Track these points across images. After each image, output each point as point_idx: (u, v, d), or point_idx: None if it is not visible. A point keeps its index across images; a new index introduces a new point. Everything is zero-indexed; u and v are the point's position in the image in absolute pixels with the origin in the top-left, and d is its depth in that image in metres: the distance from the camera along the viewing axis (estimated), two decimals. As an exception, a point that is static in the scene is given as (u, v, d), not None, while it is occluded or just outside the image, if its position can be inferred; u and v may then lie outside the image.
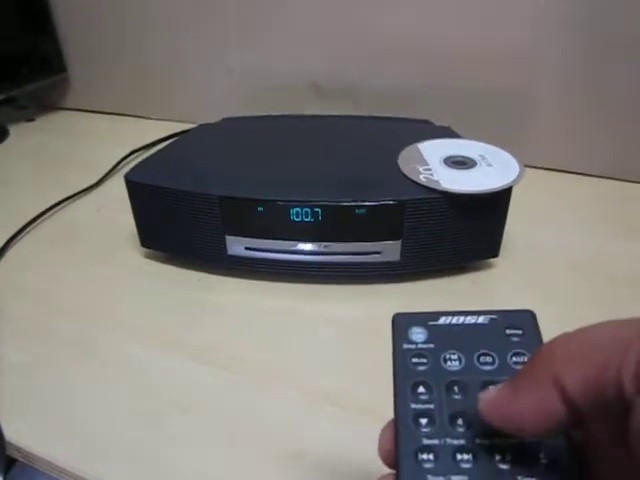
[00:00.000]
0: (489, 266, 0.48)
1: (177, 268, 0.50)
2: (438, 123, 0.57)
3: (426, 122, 0.57)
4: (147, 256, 0.51)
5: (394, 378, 0.21)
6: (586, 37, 0.57)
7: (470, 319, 0.22)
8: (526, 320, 0.22)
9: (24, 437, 0.34)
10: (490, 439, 0.19)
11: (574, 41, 0.58)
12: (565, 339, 0.16)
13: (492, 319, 0.22)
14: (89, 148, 0.78)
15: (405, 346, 0.22)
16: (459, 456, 0.19)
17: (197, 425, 0.35)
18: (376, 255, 0.44)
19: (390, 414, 0.34)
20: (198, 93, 0.81)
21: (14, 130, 0.84)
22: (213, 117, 0.62)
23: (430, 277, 0.46)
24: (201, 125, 0.59)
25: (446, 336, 0.22)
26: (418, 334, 0.22)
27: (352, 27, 0.67)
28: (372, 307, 0.45)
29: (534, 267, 0.48)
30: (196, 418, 0.35)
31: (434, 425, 0.20)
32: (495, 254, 0.46)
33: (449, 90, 0.65)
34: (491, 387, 0.19)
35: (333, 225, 0.43)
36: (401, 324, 0.22)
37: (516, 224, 0.47)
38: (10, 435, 0.34)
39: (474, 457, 0.19)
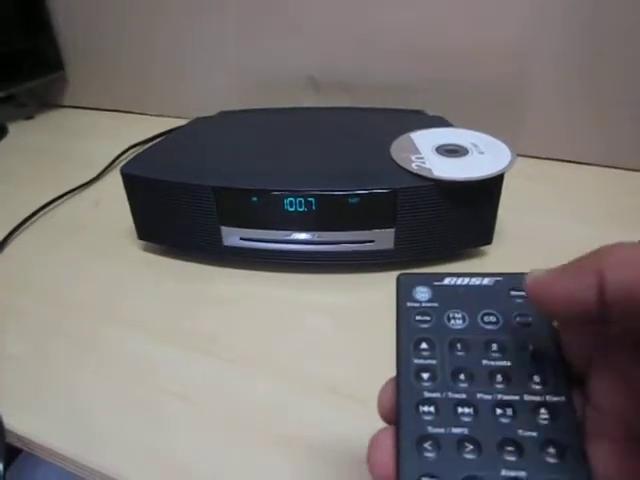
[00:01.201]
0: (482, 253, 0.48)
1: (174, 260, 0.50)
2: (434, 114, 0.57)
3: (419, 112, 0.58)
4: (145, 249, 0.52)
5: (397, 335, 0.21)
6: (582, 27, 0.57)
7: (475, 280, 0.22)
8: None
9: (25, 426, 0.35)
10: (492, 394, 0.19)
11: (569, 31, 0.58)
12: (613, 248, 0.17)
13: (497, 281, 0.22)
14: (88, 145, 0.78)
15: (409, 304, 0.22)
16: (460, 409, 0.19)
17: (196, 414, 0.35)
18: (370, 244, 0.45)
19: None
20: (196, 89, 0.82)
21: (13, 128, 0.84)
22: (211, 112, 0.62)
23: (424, 265, 0.47)
24: (197, 118, 0.60)
25: (450, 296, 0.22)
26: (422, 293, 0.22)
27: (348, 21, 0.67)
28: (367, 295, 0.45)
29: (527, 255, 0.48)
30: (195, 407, 0.36)
31: (436, 380, 0.20)
32: (488, 241, 0.47)
33: (445, 82, 0.65)
34: (541, 269, 0.19)
35: (327, 214, 0.44)
36: (406, 284, 0.22)
37: (510, 212, 0.48)
38: (12, 424, 0.35)
39: (475, 411, 0.19)
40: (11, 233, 0.55)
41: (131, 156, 0.70)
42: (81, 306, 0.46)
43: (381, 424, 0.33)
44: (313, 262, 0.46)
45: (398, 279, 0.23)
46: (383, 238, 0.44)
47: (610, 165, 0.63)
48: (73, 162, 0.73)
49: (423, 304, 0.22)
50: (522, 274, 0.22)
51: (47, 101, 0.94)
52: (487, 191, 0.43)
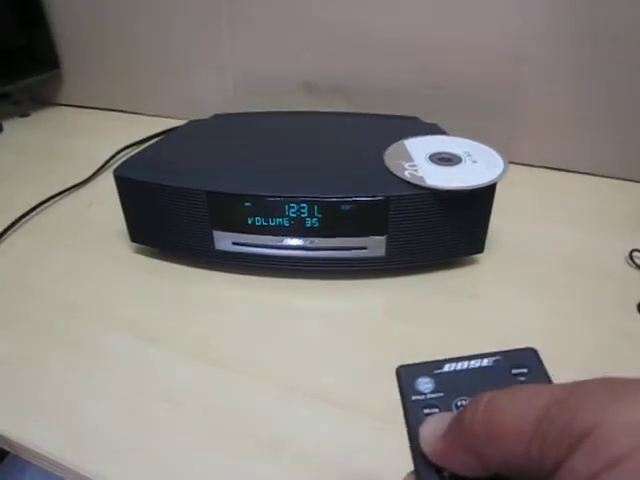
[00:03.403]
0: (474, 262, 0.48)
1: (166, 262, 0.50)
2: (428, 120, 0.57)
3: (414, 119, 0.58)
4: (137, 251, 0.52)
5: (408, 431, 0.21)
6: (576, 36, 0.57)
7: (474, 363, 0.22)
8: (529, 358, 0.21)
9: (12, 428, 0.35)
10: None
11: (563, 40, 0.58)
12: (483, 419, 0.17)
13: (496, 360, 0.22)
14: (82, 144, 0.78)
15: (414, 397, 0.21)
16: None
17: (185, 418, 0.35)
18: (362, 250, 0.45)
19: (375, 410, 0.35)
20: (191, 90, 0.81)
21: (8, 125, 0.84)
22: (206, 114, 0.62)
23: (415, 272, 0.47)
24: (191, 121, 0.60)
25: (453, 383, 0.21)
26: (425, 384, 0.22)
27: (344, 25, 0.67)
28: (358, 302, 0.45)
29: (519, 263, 0.49)
30: (185, 411, 0.36)
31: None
32: (480, 250, 0.47)
33: (440, 88, 0.66)
34: (430, 422, 0.19)
35: (319, 220, 0.44)
36: (406, 376, 0.22)
37: (503, 221, 0.48)
38: (-1, 426, 0.35)
39: None
40: (3, 233, 0.55)
41: (125, 157, 0.69)
42: (71, 307, 0.45)
43: (368, 431, 0.33)
44: (305, 268, 0.46)
45: (397, 372, 0.22)
46: (375, 245, 0.44)
47: (604, 174, 0.63)
48: (67, 161, 0.72)
49: (428, 395, 0.21)
50: (520, 350, 0.22)
51: (42, 99, 0.93)
52: (479, 200, 0.43)
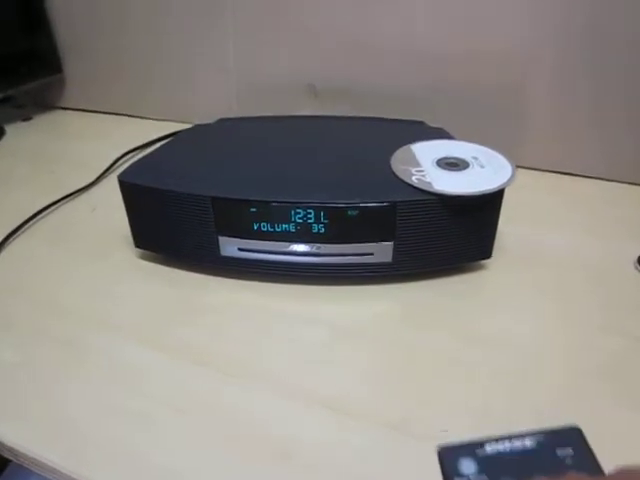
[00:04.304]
0: (482, 267, 0.48)
1: (171, 268, 0.50)
2: (434, 124, 0.57)
3: (420, 123, 0.57)
4: (141, 257, 0.51)
5: None
6: (583, 37, 0.57)
7: (517, 443, 0.21)
8: (574, 437, 0.21)
9: (13, 436, 0.34)
10: None
11: (570, 41, 0.58)
12: None
13: (539, 442, 0.21)
14: (85, 148, 0.78)
15: None
16: None
17: (186, 426, 0.35)
18: (369, 256, 0.44)
19: (381, 417, 0.35)
20: (195, 94, 0.81)
21: (11, 129, 0.84)
22: (210, 118, 0.62)
23: (423, 278, 0.46)
24: (196, 126, 0.59)
25: (497, 465, 0.21)
26: (468, 467, 0.21)
27: (349, 29, 0.67)
28: (365, 308, 0.45)
29: (527, 269, 0.48)
30: (188, 419, 0.35)
31: None
32: (488, 255, 0.46)
33: (445, 91, 0.65)
34: None
35: (326, 226, 0.43)
36: (448, 457, 0.22)
37: (511, 226, 0.48)
38: (0, 434, 0.35)
39: None
40: (7, 237, 0.54)
41: (129, 161, 0.69)
42: (75, 313, 0.45)
43: (377, 439, 0.33)
44: (311, 274, 0.46)
45: (439, 453, 0.22)
46: (382, 251, 0.44)
47: (614, 179, 0.62)
48: (70, 165, 0.72)
49: (471, 478, 0.21)
50: (563, 429, 0.21)
51: (45, 103, 0.93)
52: (487, 206, 0.43)
